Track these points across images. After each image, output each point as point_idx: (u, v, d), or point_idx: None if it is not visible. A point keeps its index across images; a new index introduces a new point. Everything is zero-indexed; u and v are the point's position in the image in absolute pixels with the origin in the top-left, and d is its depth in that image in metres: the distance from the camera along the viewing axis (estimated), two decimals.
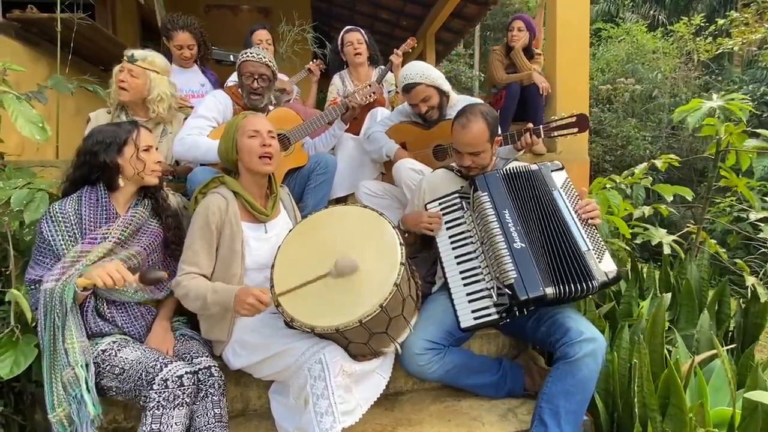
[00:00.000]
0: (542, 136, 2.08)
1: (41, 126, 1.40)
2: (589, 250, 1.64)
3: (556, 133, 2.06)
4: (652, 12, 10.66)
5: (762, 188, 2.66)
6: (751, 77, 7.42)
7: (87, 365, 1.37)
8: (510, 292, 1.59)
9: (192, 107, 2.62)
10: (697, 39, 7.88)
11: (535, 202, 1.72)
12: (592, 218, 1.69)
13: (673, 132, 7.36)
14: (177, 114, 2.35)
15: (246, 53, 2.27)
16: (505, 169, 1.79)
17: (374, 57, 3.25)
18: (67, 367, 1.35)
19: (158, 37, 2.87)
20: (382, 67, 3.25)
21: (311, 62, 3.41)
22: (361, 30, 3.19)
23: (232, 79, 2.93)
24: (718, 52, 7.42)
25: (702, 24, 7.90)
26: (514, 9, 11.86)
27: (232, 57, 3.21)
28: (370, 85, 2.46)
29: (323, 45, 4.59)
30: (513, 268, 1.60)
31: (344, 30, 3.17)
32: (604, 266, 1.63)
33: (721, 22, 7.19)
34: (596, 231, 1.70)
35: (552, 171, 1.77)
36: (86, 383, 1.34)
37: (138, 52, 2.17)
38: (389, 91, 3.25)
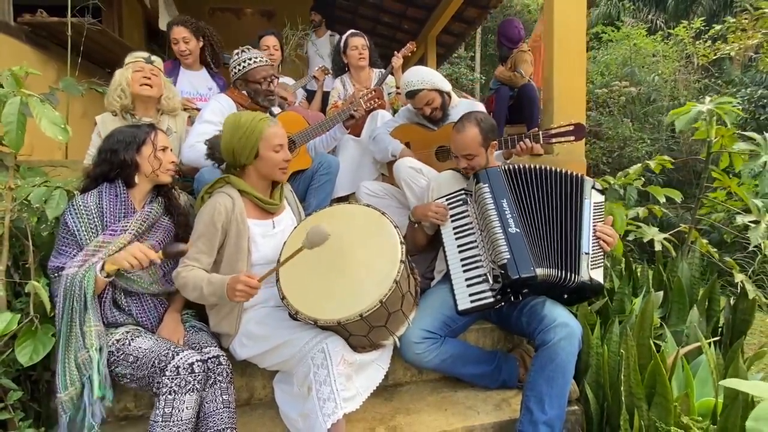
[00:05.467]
0: (541, 142, 2.17)
1: (63, 127, 1.48)
2: (587, 254, 1.77)
3: (554, 140, 2.16)
4: (650, 16, 10.74)
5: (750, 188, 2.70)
6: (750, 80, 7.47)
7: (101, 349, 1.46)
8: (503, 272, 1.69)
9: (196, 108, 2.69)
10: (697, 42, 7.94)
11: (547, 197, 1.84)
12: (603, 239, 1.82)
13: (672, 134, 7.42)
14: (181, 113, 2.42)
15: (252, 60, 2.28)
16: (507, 165, 1.90)
17: (374, 60, 3.34)
18: (82, 349, 1.44)
19: (163, 40, 2.94)
20: (383, 70, 3.34)
21: (315, 68, 3.48)
22: (364, 35, 3.28)
23: None
24: (717, 57, 7.49)
25: (702, 27, 7.97)
26: (515, 11, 11.96)
27: None
28: (374, 92, 2.52)
29: None
30: (507, 249, 1.71)
31: (348, 34, 3.26)
32: (593, 273, 1.77)
33: (718, 27, 7.25)
34: (601, 251, 1.84)
35: (593, 188, 1.90)
36: (98, 366, 1.43)
37: (152, 57, 2.27)
38: (389, 93, 3.33)
